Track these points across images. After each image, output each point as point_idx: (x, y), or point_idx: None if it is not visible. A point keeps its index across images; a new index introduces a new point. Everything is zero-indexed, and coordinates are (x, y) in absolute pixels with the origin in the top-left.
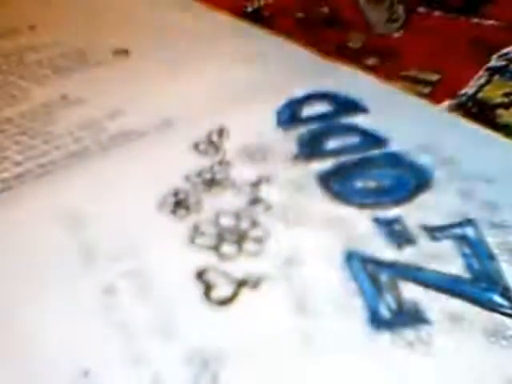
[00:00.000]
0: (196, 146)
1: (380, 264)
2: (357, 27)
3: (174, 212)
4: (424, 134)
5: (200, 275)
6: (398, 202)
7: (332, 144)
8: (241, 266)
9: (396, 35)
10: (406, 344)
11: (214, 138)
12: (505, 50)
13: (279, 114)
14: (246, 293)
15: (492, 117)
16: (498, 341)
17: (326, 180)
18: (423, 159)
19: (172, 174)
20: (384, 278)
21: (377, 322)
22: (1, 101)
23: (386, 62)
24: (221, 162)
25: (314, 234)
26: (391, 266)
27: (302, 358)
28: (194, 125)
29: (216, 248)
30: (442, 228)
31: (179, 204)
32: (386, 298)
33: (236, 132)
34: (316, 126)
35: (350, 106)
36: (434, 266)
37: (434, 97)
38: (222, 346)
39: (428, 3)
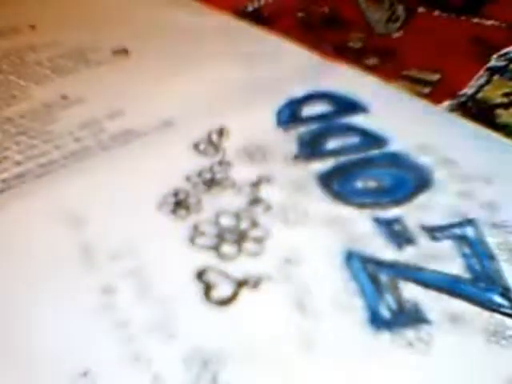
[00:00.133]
0: (196, 146)
1: (380, 264)
2: (357, 27)
3: (174, 212)
4: (424, 133)
5: (200, 275)
6: (397, 201)
7: (332, 144)
8: (241, 266)
9: (396, 35)
10: (406, 344)
11: (214, 138)
12: (505, 50)
13: (279, 113)
14: (245, 293)
15: (491, 117)
16: (498, 341)
17: (326, 180)
18: (423, 159)
19: (172, 174)
20: (384, 278)
21: (377, 321)
22: (1, 101)
23: (385, 62)
24: (221, 162)
25: (314, 234)
26: (391, 266)
27: (302, 358)
28: (194, 125)
29: (216, 248)
30: (441, 228)
31: (179, 204)
32: (386, 298)
33: (236, 132)
34: (316, 126)
35: (350, 106)
36: (434, 266)
37: (434, 97)
38: (222, 346)
39: (428, 3)
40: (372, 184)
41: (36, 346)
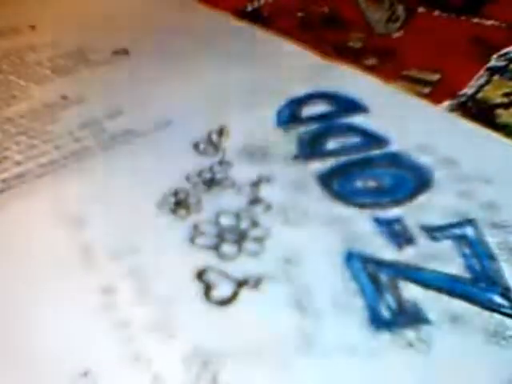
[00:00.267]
0: (196, 146)
1: (380, 264)
2: (357, 27)
3: (174, 212)
4: (424, 134)
5: (200, 275)
6: (398, 201)
7: (332, 144)
8: (241, 266)
9: (396, 35)
10: (405, 344)
11: (214, 137)
12: (505, 50)
13: (279, 113)
14: (246, 293)
15: (492, 117)
16: (498, 341)
17: (326, 180)
18: (423, 159)
19: (172, 174)
20: (384, 277)
21: (377, 321)
22: (1, 101)
23: (385, 62)
24: (221, 162)
25: (314, 234)
26: (391, 265)
27: (302, 358)
28: (194, 125)
29: (216, 248)
30: (441, 228)
31: (179, 204)
32: (386, 298)
33: (236, 132)
34: (316, 126)
35: (350, 106)
36: (434, 265)
37: (434, 97)
38: (221, 346)
39: (428, 3)
40: (372, 184)
41: (36, 346)
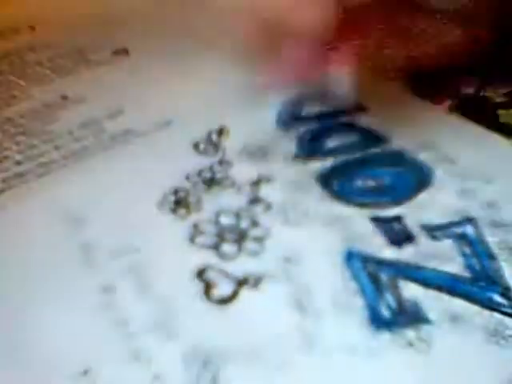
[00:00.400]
0: (196, 146)
1: (380, 263)
2: None
3: (174, 211)
4: (424, 133)
5: (200, 274)
6: (398, 201)
7: (332, 143)
8: (241, 266)
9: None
10: (405, 344)
11: (214, 137)
12: None
13: (279, 113)
14: (246, 292)
15: (492, 117)
16: (498, 340)
17: (326, 179)
18: (423, 158)
19: (172, 174)
20: (384, 277)
21: (377, 321)
22: (1, 101)
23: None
24: (221, 162)
25: (314, 234)
26: (391, 265)
27: (302, 357)
28: (194, 124)
29: (216, 247)
30: (441, 227)
31: (179, 203)
32: (387, 298)
33: (236, 132)
34: (316, 125)
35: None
36: (434, 264)
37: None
38: (222, 346)
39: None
40: (372, 183)
41: (36, 345)
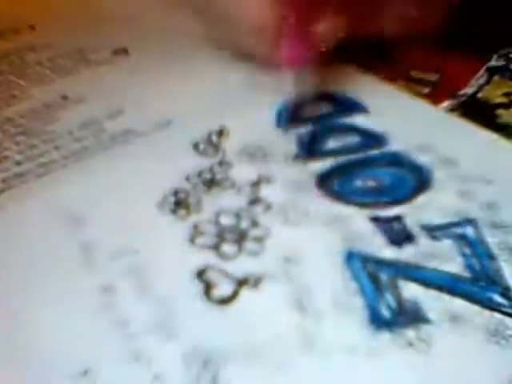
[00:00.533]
0: (196, 146)
1: (380, 263)
2: None
3: (174, 212)
4: (424, 133)
5: (200, 274)
6: (397, 201)
7: (332, 144)
8: (241, 266)
9: None
10: (405, 344)
11: (214, 138)
12: (505, 50)
13: (279, 113)
14: (246, 292)
15: (492, 117)
16: (498, 340)
17: (326, 180)
18: (423, 159)
19: (172, 174)
20: (384, 277)
21: (377, 321)
22: (1, 101)
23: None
24: (221, 162)
25: (314, 234)
26: (391, 265)
27: (302, 358)
28: (194, 125)
29: (216, 247)
30: (441, 227)
31: (179, 204)
32: (386, 298)
33: (236, 132)
34: (316, 125)
35: (350, 106)
36: (434, 264)
37: (434, 97)
38: (222, 346)
39: None
40: (372, 184)
41: (35, 345)
